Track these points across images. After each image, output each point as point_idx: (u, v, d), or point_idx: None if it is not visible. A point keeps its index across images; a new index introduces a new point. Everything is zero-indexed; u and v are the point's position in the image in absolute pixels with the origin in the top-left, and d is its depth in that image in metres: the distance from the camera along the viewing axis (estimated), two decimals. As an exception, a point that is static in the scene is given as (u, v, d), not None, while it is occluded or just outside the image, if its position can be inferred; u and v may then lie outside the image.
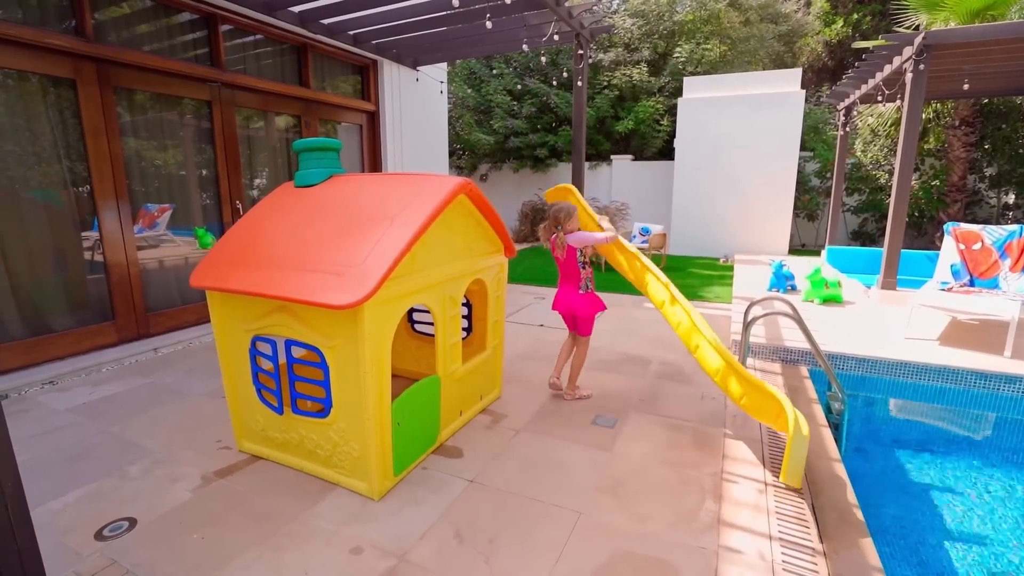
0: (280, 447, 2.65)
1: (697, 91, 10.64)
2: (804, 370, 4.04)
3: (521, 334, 5.00)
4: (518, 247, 11.90)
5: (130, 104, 4.39)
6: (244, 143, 5.34)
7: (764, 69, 13.60)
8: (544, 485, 2.51)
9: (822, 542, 2.09)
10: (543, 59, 12.33)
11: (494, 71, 13.19)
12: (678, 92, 12.44)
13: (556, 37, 5.18)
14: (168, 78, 4.54)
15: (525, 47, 5.15)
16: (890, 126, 9.51)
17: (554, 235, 3.24)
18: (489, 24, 4.45)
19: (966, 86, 6.83)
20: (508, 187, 14.09)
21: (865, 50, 6.71)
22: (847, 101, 8.46)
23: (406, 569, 1.95)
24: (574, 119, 6.26)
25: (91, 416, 3.26)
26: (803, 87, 9.82)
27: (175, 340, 4.58)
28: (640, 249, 9.05)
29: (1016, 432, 3.66)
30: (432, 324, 2.74)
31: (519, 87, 12.55)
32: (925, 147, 9.67)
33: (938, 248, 6.82)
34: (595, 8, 5.84)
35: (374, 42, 6.36)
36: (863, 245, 11.18)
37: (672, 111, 12.61)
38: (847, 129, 8.81)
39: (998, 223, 8.96)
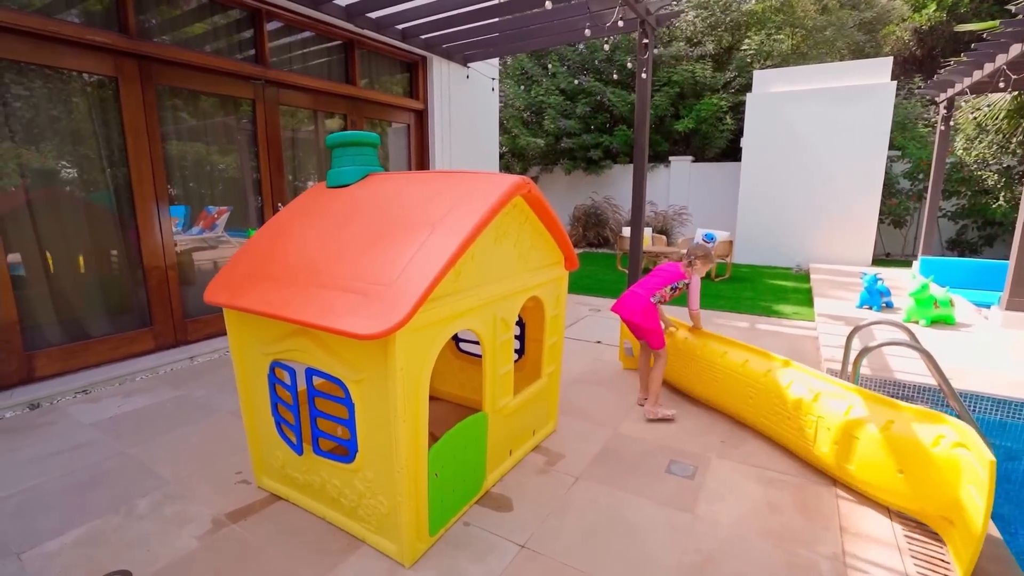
0: (301, 489, 2.28)
1: (768, 85, 9.77)
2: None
3: (576, 352, 4.49)
4: (569, 252, 11.36)
5: (172, 103, 4.23)
6: (287, 143, 5.13)
7: (841, 60, 12.44)
8: (612, 559, 2.01)
9: None
10: (600, 56, 11.79)
11: (549, 70, 12.74)
12: (745, 88, 11.56)
13: (621, 23, 4.66)
14: (212, 76, 4.36)
15: (587, 32, 4.65)
16: (1002, 119, 8.30)
17: (684, 265, 3.26)
18: (549, 4, 4.00)
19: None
20: (560, 190, 13.59)
21: (972, 34, 5.77)
22: (950, 92, 7.42)
23: None
24: (636, 115, 5.70)
25: (114, 433, 3.03)
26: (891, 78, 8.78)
27: (212, 348, 4.39)
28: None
29: None
30: (478, 343, 2.30)
31: (575, 82, 12.02)
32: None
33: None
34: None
35: (423, 37, 6.05)
36: (961, 255, 9.92)
37: (737, 108, 11.74)
38: (948, 124, 7.74)
39: None
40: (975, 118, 8.86)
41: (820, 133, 9.21)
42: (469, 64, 7.00)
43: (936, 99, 7.94)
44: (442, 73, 6.68)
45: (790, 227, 9.81)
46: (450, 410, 3.24)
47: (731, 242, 8.60)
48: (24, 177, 3.48)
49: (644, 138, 5.66)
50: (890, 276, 7.43)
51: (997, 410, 3.29)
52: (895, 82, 8.54)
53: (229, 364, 4.20)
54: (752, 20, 11.54)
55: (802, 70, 9.53)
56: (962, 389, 3.37)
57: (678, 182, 12.13)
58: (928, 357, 2.76)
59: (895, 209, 10.04)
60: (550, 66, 12.63)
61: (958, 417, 2.71)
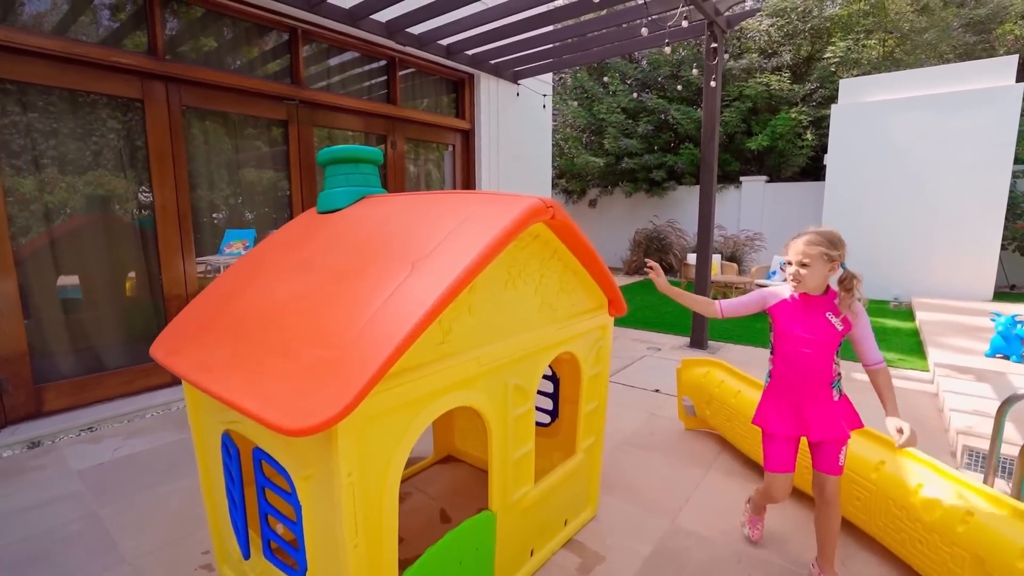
0: (258, 594, 1.79)
1: (858, 95, 8.67)
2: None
3: (628, 404, 3.80)
4: (628, 280, 10.60)
5: (200, 125, 4.07)
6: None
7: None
8: None
9: None
10: (663, 72, 11.12)
11: (608, 88, 12.21)
12: (828, 100, 10.45)
13: (685, 23, 4.05)
14: (242, 96, 4.18)
15: (644, 31, 4.07)
16: None
17: (840, 292, 1.80)
18: (603, 10, 3.48)
19: None
20: (620, 213, 12.88)
21: None
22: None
23: None
24: (704, 128, 5.02)
25: (97, 485, 2.72)
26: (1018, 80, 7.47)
27: (231, 383, 4.10)
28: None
29: None
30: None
31: (636, 96, 11.38)
32: None
33: None
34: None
35: (469, 53, 5.71)
36: (1111, 290, 8.19)
37: (819, 123, 10.62)
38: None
39: None
40: None
41: (923, 146, 7.99)
42: (519, 81, 6.60)
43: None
44: (490, 91, 6.31)
45: (886, 254, 8.53)
46: (471, 478, 2.69)
47: (815, 271, 7.52)
48: (44, 204, 3.36)
49: (712, 154, 4.96)
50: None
51: None
52: (1022, 84, 7.24)
53: (244, 402, 3.88)
54: (836, 26, 10.45)
55: (900, 76, 8.38)
56: None
57: (750, 205, 11.08)
58: None
59: (1022, 233, 8.48)
60: (607, 78, 12.06)
61: None
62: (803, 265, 1.78)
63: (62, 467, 2.92)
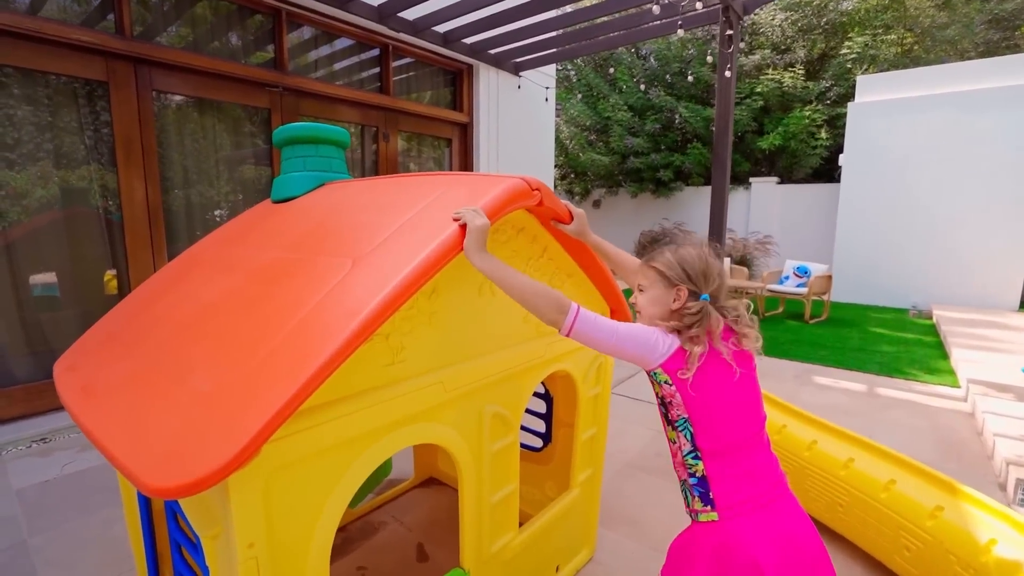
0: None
1: (875, 92, 8.30)
2: None
3: (630, 420, 3.47)
4: (632, 282, 10.23)
5: (173, 112, 3.78)
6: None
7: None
8: None
9: None
10: (672, 69, 10.77)
11: (615, 85, 11.87)
12: (843, 98, 10.06)
13: (699, 5, 3.73)
14: (220, 81, 3.88)
15: (656, 8, 3.75)
16: None
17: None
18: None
19: None
20: (624, 214, 12.52)
21: None
22: None
23: None
24: (717, 122, 4.68)
25: (35, 508, 2.42)
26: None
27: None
28: (797, 295, 6.99)
29: None
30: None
31: (642, 90, 11.00)
32: None
33: None
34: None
35: (468, 42, 5.40)
36: None
37: (834, 122, 10.23)
38: None
39: None
40: None
41: (945, 146, 7.61)
42: (521, 73, 6.28)
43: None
44: (490, 82, 6.00)
45: (903, 259, 8.16)
46: (455, 506, 2.36)
47: (830, 277, 7.17)
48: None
49: (726, 149, 4.62)
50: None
51: None
52: (1053, 81, 6.86)
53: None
54: (853, 21, 10.07)
55: (920, 72, 8.01)
56: None
57: (760, 207, 10.70)
58: None
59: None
60: (613, 70, 11.69)
61: None
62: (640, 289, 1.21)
63: (1, 485, 2.62)
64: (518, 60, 6.04)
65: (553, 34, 5.54)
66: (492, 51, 5.68)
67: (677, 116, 11.17)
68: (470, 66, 5.83)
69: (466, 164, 6.06)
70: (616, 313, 1.79)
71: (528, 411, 1.73)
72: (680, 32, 4.62)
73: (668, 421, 1.16)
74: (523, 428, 1.58)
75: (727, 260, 8.13)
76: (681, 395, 1.09)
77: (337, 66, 4.76)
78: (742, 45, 11.10)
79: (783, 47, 10.78)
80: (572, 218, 1.40)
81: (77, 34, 3.16)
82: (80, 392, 1.12)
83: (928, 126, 7.71)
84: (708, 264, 1.14)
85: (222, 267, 1.40)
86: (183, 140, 3.82)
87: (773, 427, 2.35)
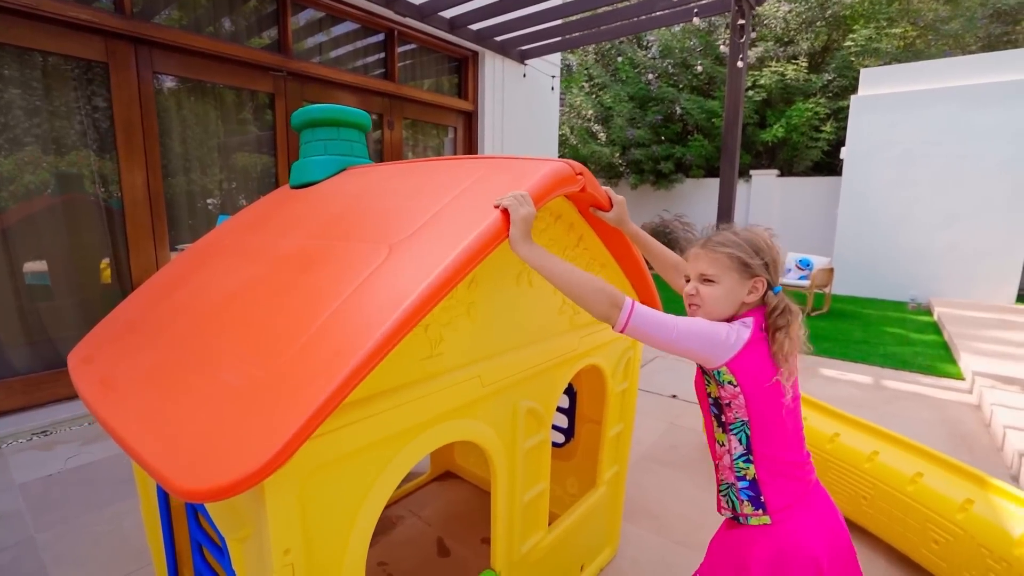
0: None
1: (878, 85, 8.25)
2: None
3: (645, 412, 3.44)
4: (633, 275, 10.21)
5: (174, 95, 3.68)
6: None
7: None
8: None
9: None
10: (675, 59, 10.68)
11: (617, 75, 11.76)
12: (846, 91, 10.01)
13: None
14: (223, 64, 3.78)
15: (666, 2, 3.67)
16: None
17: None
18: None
19: None
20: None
21: None
22: None
23: None
24: (727, 112, 4.62)
25: (40, 503, 2.36)
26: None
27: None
28: (799, 287, 6.98)
29: None
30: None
31: (649, 80, 10.88)
32: None
33: None
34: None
35: (474, 28, 5.30)
36: None
37: (837, 115, 10.19)
38: None
39: None
40: None
41: (948, 141, 7.60)
42: (526, 61, 6.18)
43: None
44: (495, 70, 5.90)
45: (903, 253, 8.16)
46: (472, 499, 2.34)
47: (831, 270, 7.16)
48: (-9, 177, 2.97)
49: (735, 140, 4.57)
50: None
51: None
52: (1058, 75, 6.84)
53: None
54: (857, 13, 10.00)
55: (924, 66, 7.97)
56: None
57: (760, 200, 10.66)
58: None
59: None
60: (620, 70, 11.61)
61: None
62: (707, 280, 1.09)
63: (3, 480, 2.55)
64: (524, 48, 5.94)
65: (559, 22, 5.44)
66: (498, 38, 5.58)
67: (678, 108, 11.09)
68: (476, 53, 5.73)
69: (470, 152, 5.97)
70: (647, 300, 1.73)
71: (554, 405, 1.68)
72: (696, 20, 4.54)
73: (720, 423, 1.10)
74: (552, 423, 1.53)
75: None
76: (746, 396, 1.02)
77: (342, 51, 4.65)
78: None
79: (786, 39, 10.71)
80: (612, 205, 1.33)
81: (75, 11, 3.04)
82: (99, 385, 1.06)
83: (930, 120, 7.68)
84: (776, 251, 1.07)
85: (243, 255, 1.33)
86: (184, 125, 3.72)
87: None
